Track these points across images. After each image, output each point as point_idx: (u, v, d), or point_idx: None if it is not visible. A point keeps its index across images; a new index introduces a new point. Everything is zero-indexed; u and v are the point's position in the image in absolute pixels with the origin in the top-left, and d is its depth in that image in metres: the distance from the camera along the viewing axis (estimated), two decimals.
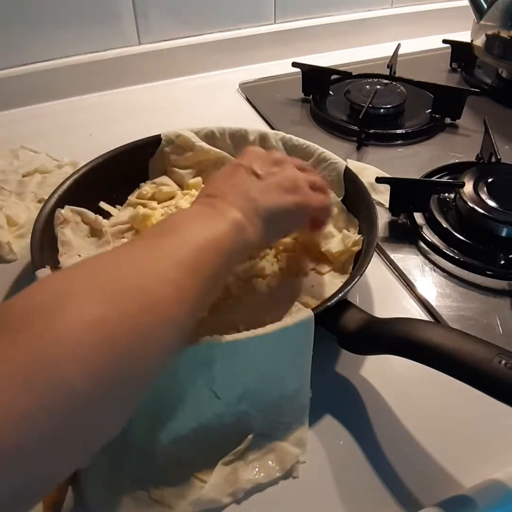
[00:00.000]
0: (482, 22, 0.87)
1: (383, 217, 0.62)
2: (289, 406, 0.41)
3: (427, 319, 0.50)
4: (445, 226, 0.59)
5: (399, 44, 0.95)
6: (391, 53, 0.92)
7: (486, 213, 0.57)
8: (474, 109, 0.82)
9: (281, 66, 0.94)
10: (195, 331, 0.45)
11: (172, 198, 0.60)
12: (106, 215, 0.58)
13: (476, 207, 0.57)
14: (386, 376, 0.45)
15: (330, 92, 0.87)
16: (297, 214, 0.44)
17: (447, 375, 0.35)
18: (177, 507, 0.36)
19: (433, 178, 0.66)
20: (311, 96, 0.86)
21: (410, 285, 0.54)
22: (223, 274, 0.35)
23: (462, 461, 0.40)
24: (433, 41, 1.03)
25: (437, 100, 0.80)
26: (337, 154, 0.59)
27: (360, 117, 0.75)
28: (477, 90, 0.80)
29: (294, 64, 0.87)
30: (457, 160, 0.71)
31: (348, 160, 0.69)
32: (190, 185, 0.62)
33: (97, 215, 0.56)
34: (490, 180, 0.61)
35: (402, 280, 0.55)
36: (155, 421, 0.39)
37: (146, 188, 0.61)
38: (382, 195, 0.64)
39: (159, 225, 0.38)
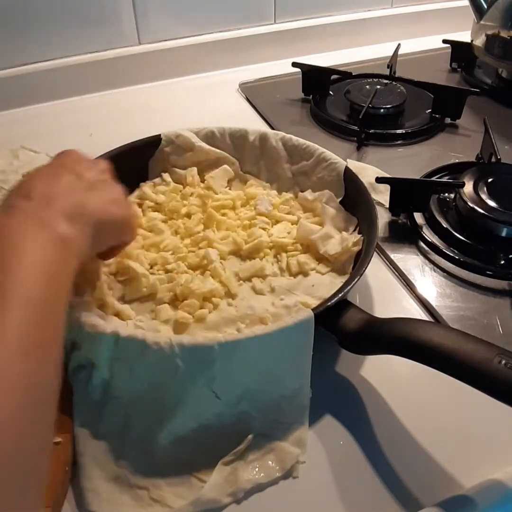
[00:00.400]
0: (482, 22, 0.87)
1: (383, 217, 0.62)
2: (289, 406, 0.41)
3: (427, 319, 0.50)
4: (445, 226, 0.59)
5: (399, 44, 0.95)
6: (391, 53, 0.92)
7: (486, 213, 0.57)
8: (474, 109, 0.82)
9: (281, 66, 0.94)
10: (196, 331, 0.45)
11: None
12: None
13: (476, 207, 0.57)
14: (386, 376, 0.45)
15: (330, 92, 0.87)
16: (123, 227, 0.44)
17: (447, 375, 0.35)
18: (177, 507, 0.36)
19: (433, 178, 0.66)
20: (311, 96, 0.86)
21: (410, 285, 0.54)
22: (66, 294, 0.33)
23: (462, 461, 0.40)
24: (433, 41, 1.03)
25: (437, 100, 0.80)
26: (337, 154, 0.59)
27: (360, 117, 0.75)
28: (477, 90, 0.80)
29: (294, 64, 0.87)
30: (457, 160, 0.71)
31: (348, 160, 0.69)
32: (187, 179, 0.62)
33: None
34: (490, 180, 0.61)
35: (402, 280, 0.55)
36: (155, 421, 0.39)
37: (146, 188, 0.61)
38: (382, 195, 0.64)
39: None
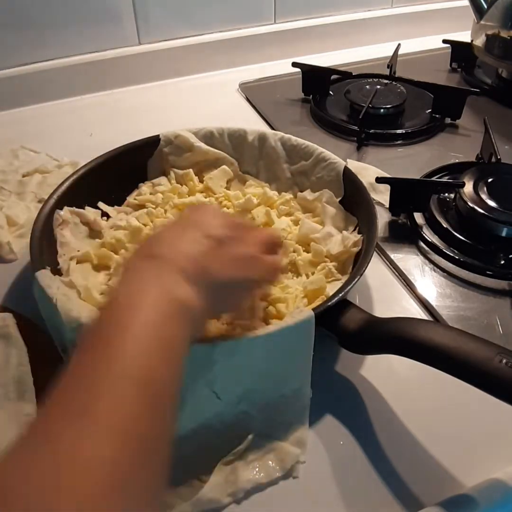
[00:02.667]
0: (482, 22, 0.87)
1: (383, 217, 0.62)
2: (289, 406, 0.41)
3: (427, 319, 0.50)
4: (445, 226, 0.59)
5: (399, 44, 0.95)
6: (391, 53, 0.92)
7: (486, 213, 0.57)
8: (474, 109, 0.82)
9: (281, 66, 0.94)
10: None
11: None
12: (106, 215, 0.58)
13: (476, 207, 0.57)
14: (386, 375, 0.45)
15: (330, 92, 0.87)
16: (247, 290, 0.40)
17: (448, 374, 0.35)
18: (177, 507, 0.36)
19: (433, 178, 0.66)
20: (311, 96, 0.86)
21: (410, 285, 0.54)
22: (177, 364, 0.31)
23: (462, 461, 0.40)
24: (433, 41, 1.03)
25: (437, 100, 0.80)
26: (337, 154, 0.59)
27: (360, 117, 0.75)
28: (477, 90, 0.80)
29: (294, 64, 0.87)
30: (457, 160, 0.71)
31: (348, 160, 0.69)
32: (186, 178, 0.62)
33: (96, 216, 0.56)
34: (490, 180, 0.61)
35: (402, 280, 0.55)
36: None
37: (145, 188, 0.61)
38: (382, 195, 0.64)
39: (101, 326, 0.30)
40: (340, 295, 0.43)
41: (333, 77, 0.88)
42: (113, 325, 0.29)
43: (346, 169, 0.57)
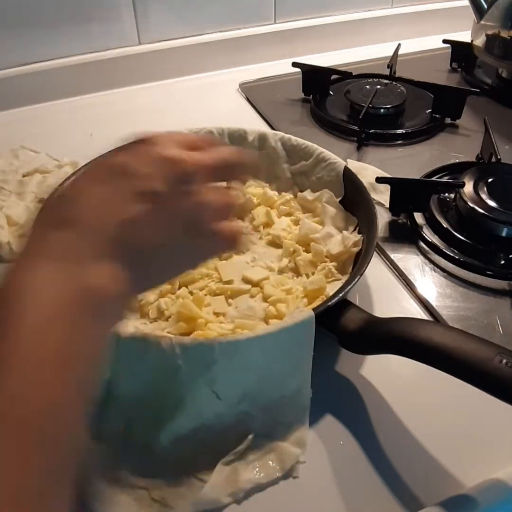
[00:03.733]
0: (482, 22, 0.87)
1: (383, 217, 0.62)
2: (290, 406, 0.41)
3: (427, 319, 0.50)
4: (445, 226, 0.59)
5: (399, 44, 0.95)
6: (391, 53, 0.92)
7: (486, 213, 0.57)
8: (474, 109, 0.82)
9: (281, 66, 0.94)
10: (196, 333, 0.45)
11: None
12: None
13: (476, 207, 0.57)
14: (386, 375, 0.45)
15: (330, 92, 0.87)
16: (192, 257, 0.33)
17: (448, 374, 0.35)
18: (177, 507, 0.36)
19: (433, 178, 0.66)
20: (311, 96, 0.86)
21: (410, 285, 0.54)
22: (85, 371, 0.25)
23: (462, 461, 0.40)
24: (433, 41, 1.03)
25: (437, 100, 0.80)
26: (337, 154, 0.59)
27: (360, 117, 0.75)
28: (477, 90, 0.80)
29: (294, 64, 0.87)
30: (457, 160, 0.71)
31: (348, 160, 0.69)
32: None
33: None
34: (490, 180, 0.61)
35: (402, 280, 0.55)
36: (156, 421, 0.39)
37: None
38: (382, 195, 0.64)
39: None
40: (340, 295, 0.43)
41: (333, 77, 0.88)
42: None
43: (346, 169, 0.57)
